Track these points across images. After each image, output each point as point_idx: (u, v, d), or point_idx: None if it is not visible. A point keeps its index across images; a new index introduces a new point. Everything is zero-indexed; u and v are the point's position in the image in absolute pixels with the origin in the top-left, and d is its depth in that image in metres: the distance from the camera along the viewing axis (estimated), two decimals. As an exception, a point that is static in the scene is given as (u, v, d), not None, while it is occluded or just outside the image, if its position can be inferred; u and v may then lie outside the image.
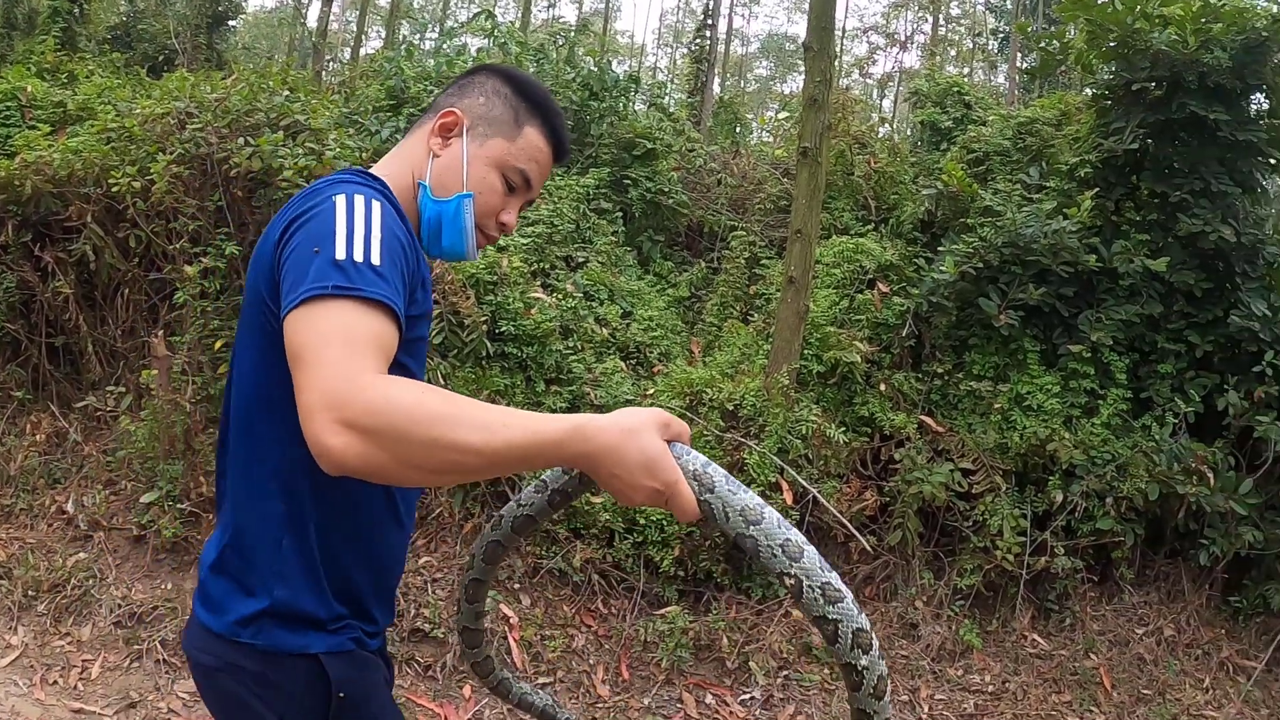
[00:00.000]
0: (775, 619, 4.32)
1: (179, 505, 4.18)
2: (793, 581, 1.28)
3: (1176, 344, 5.26)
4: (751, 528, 1.27)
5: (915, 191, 6.42)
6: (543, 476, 1.57)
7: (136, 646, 3.72)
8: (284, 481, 1.50)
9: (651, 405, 4.27)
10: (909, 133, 10.13)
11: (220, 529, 1.59)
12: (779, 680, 4.13)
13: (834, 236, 6.01)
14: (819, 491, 4.43)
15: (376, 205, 1.45)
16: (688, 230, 6.81)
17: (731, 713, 3.96)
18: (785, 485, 4.42)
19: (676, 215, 6.53)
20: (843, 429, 4.70)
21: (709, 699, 4.00)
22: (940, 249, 5.60)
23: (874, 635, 1.31)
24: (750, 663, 4.15)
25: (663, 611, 4.20)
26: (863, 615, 1.28)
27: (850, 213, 6.42)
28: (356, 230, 1.39)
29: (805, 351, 4.94)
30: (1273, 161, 5.94)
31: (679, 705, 3.92)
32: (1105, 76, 6.02)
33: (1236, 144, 5.58)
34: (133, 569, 4.11)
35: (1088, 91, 6.97)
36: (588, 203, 5.88)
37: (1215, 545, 4.91)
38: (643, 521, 4.25)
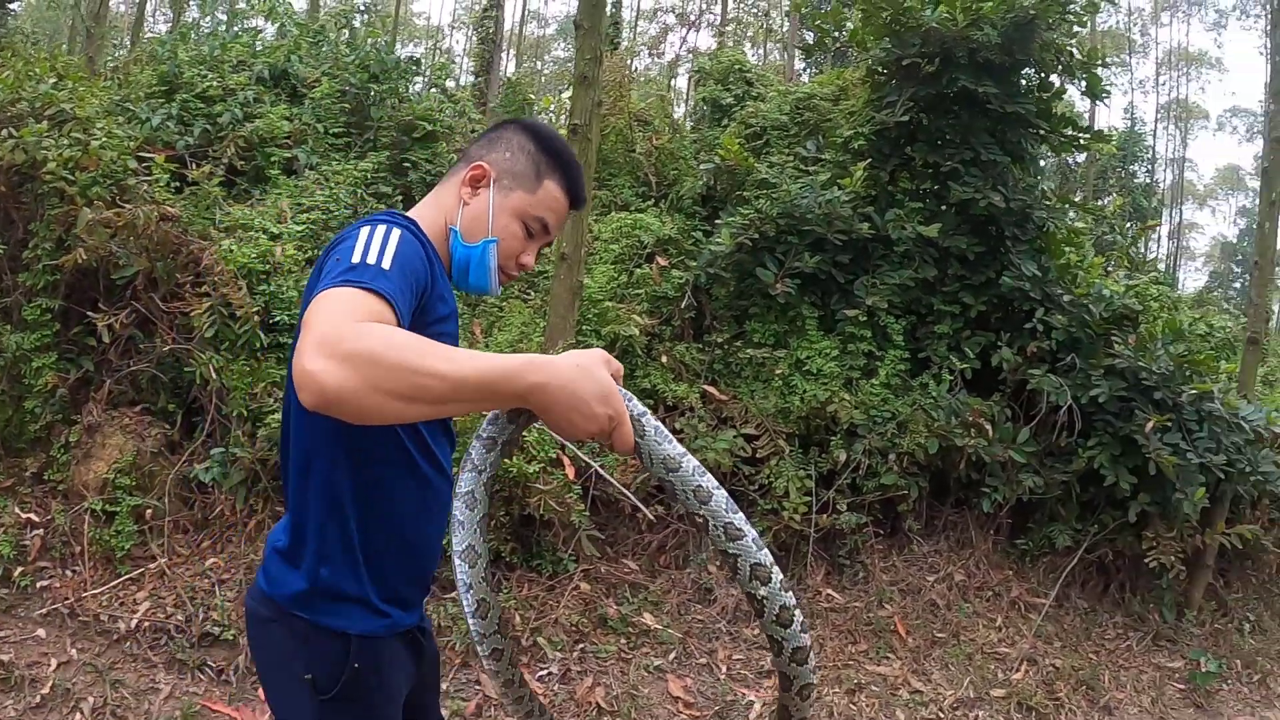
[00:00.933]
0: (567, 593, 4.36)
1: None
2: (701, 520, 1.49)
3: (952, 305, 5.52)
4: (670, 474, 1.48)
5: (695, 167, 6.57)
6: (486, 434, 1.76)
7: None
8: (327, 480, 1.75)
9: None
10: (694, 110, 10.29)
11: (284, 518, 1.87)
12: (575, 654, 4.16)
13: (614, 213, 6.10)
14: (600, 466, 4.50)
15: (396, 231, 1.67)
16: None
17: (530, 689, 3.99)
18: (567, 461, 4.47)
19: None
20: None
21: None
22: (718, 222, 5.76)
23: (775, 570, 1.49)
24: (544, 639, 4.17)
25: (451, 594, 4.15)
26: (763, 552, 1.47)
27: (631, 189, 6.53)
28: (373, 246, 1.61)
29: (584, 327, 5.02)
30: (1041, 132, 6.28)
31: (478, 687, 3.92)
32: (879, 53, 6.27)
33: (1006, 116, 5.90)
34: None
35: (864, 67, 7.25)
36: (365, 187, 5.77)
37: (997, 493, 5.18)
38: None
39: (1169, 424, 5.29)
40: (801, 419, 5.01)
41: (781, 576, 1.51)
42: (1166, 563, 5.31)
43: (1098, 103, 6.74)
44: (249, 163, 5.70)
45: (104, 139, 4.68)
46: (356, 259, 1.58)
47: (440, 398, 1.34)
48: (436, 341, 1.39)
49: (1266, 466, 5.74)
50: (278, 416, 3.82)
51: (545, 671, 4.06)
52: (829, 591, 4.88)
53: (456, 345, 1.75)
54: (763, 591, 1.48)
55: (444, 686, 3.84)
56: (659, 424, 1.50)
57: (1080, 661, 5.07)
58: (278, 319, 4.55)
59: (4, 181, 4.51)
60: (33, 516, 4.13)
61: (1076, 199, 8.70)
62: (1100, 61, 6.51)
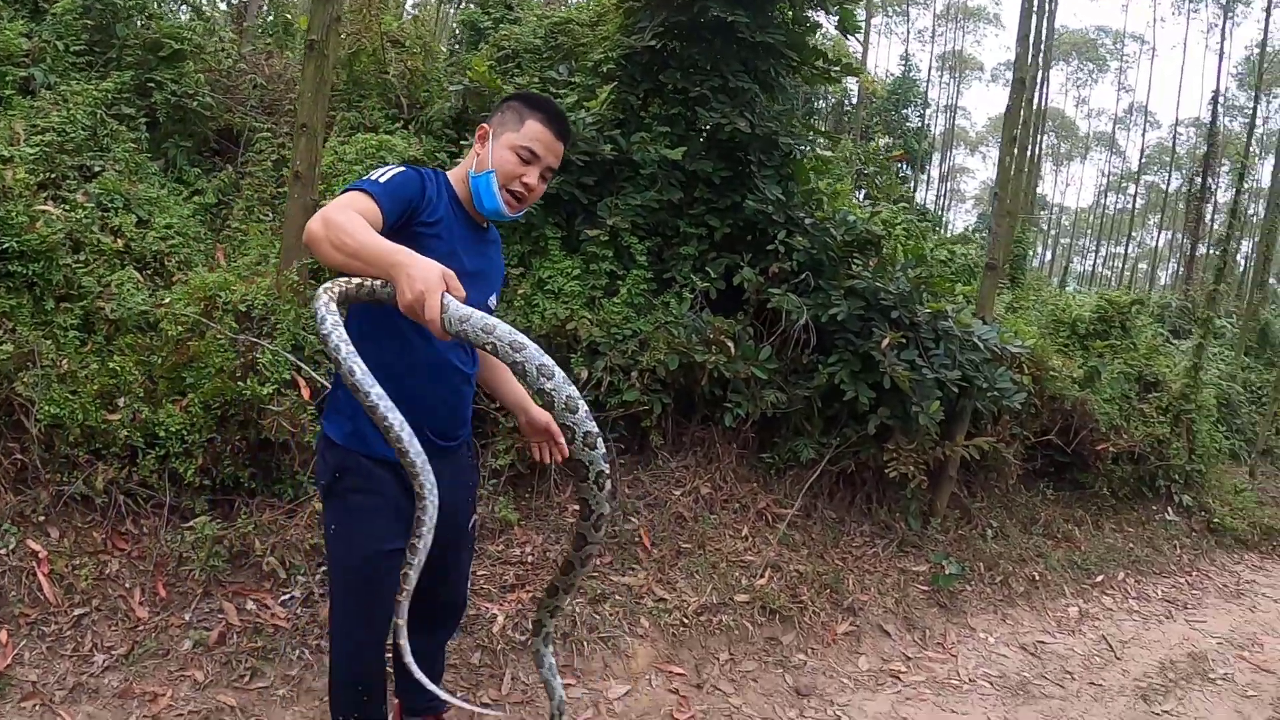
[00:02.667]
0: (306, 517, 4.31)
1: None
2: (519, 366, 2.01)
3: (698, 228, 5.70)
4: (477, 331, 2.00)
5: (443, 89, 6.57)
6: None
7: None
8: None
9: (166, 314, 4.33)
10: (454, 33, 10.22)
11: None
12: (317, 577, 4.14)
13: (358, 134, 6.03)
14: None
15: (401, 168, 2.54)
16: (218, 135, 6.56)
17: (274, 614, 3.96)
18: (302, 382, 4.42)
19: (205, 120, 6.29)
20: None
21: (250, 605, 3.97)
22: (464, 143, 5.76)
23: (582, 401, 2.03)
24: (287, 564, 4.14)
25: (192, 523, 4.11)
26: (571, 386, 2.02)
27: (381, 111, 6.49)
28: (380, 172, 2.47)
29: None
30: (793, 63, 6.50)
31: (220, 615, 3.88)
32: (633, -21, 6.35)
33: (757, 45, 6.09)
34: None
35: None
36: (107, 109, 5.54)
37: (740, 408, 5.39)
38: (163, 434, 4.10)
39: (903, 341, 5.60)
40: (543, 337, 5.07)
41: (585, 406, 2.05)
42: (908, 473, 5.63)
43: (847, 37, 6.95)
44: None
45: None
46: (366, 176, 2.47)
47: (354, 254, 2.13)
48: (368, 228, 2.19)
49: (1004, 383, 6.14)
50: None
51: (288, 596, 4.05)
52: (574, 507, 4.96)
53: (439, 251, 2.38)
54: (571, 420, 2.05)
55: (186, 617, 3.85)
56: (482, 315, 2.01)
57: (825, 567, 5.35)
58: (6, 245, 4.32)
59: None
60: None
61: (846, 138, 9.11)
62: (854, -3, 6.79)
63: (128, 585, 3.87)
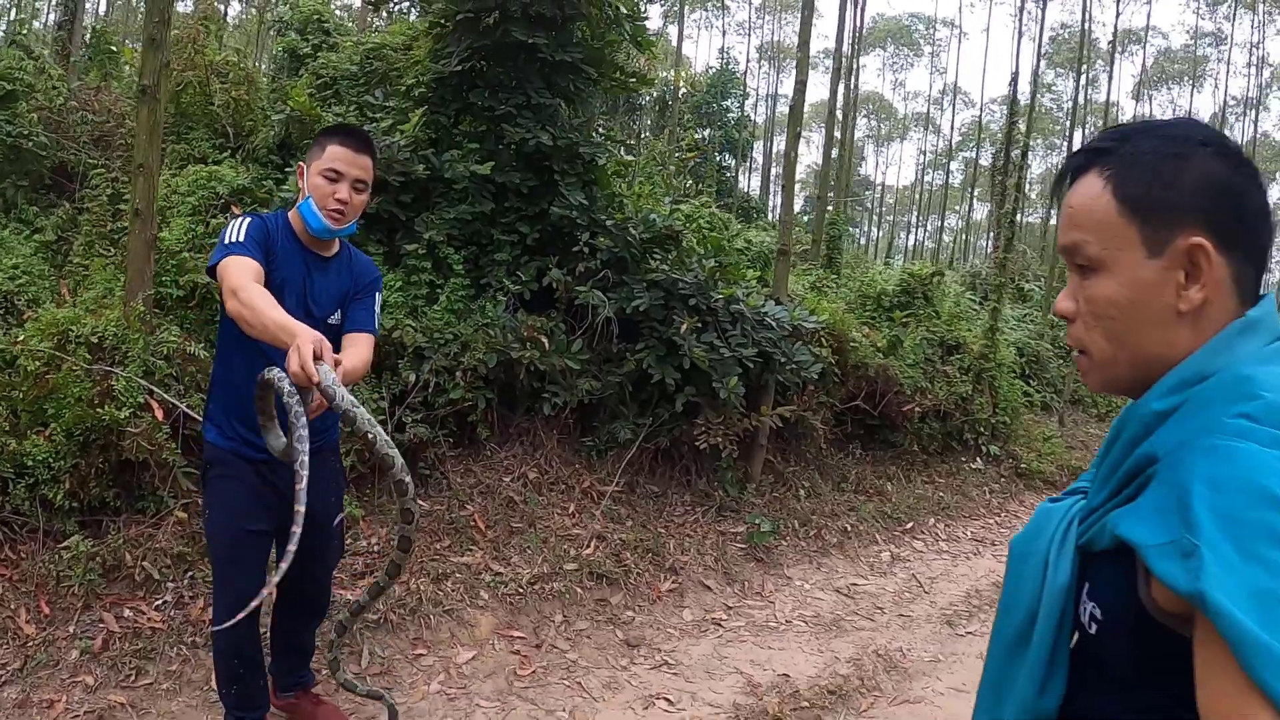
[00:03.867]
0: (169, 528, 4.64)
1: None
2: (370, 438, 2.40)
3: (509, 235, 6.21)
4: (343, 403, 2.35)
5: (269, 117, 6.93)
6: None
7: None
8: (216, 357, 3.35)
9: (22, 351, 4.62)
10: (275, 59, 10.49)
11: None
12: (185, 581, 4.48)
13: (191, 165, 6.34)
14: (186, 406, 4.83)
15: (249, 219, 3.10)
16: (53, 172, 6.79)
17: (149, 619, 4.27)
18: (155, 405, 4.76)
19: (40, 158, 6.52)
20: (203, 345, 5.09)
21: (127, 612, 4.27)
22: (288, 170, 6.17)
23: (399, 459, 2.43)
24: (158, 572, 4.46)
25: (66, 543, 4.38)
26: (376, 427, 2.41)
27: (208, 141, 6.78)
28: (231, 230, 3.04)
29: (163, 278, 5.27)
30: (591, 77, 7.08)
31: (102, 624, 4.17)
32: (440, 6, 6.81)
33: (557, 64, 6.63)
34: None
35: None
36: None
37: (558, 397, 5.94)
38: (30, 463, 4.36)
39: (701, 325, 6.23)
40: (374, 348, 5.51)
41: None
42: (718, 444, 6.27)
43: (643, 51, 7.56)
44: None
45: None
46: (227, 240, 3.00)
47: (260, 329, 2.65)
48: (267, 303, 2.70)
49: (802, 357, 6.84)
50: None
51: (161, 601, 4.38)
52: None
53: (275, 280, 3.06)
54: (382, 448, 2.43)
55: (71, 629, 4.15)
56: (346, 393, 2.38)
57: (648, 535, 5.95)
58: None
59: None
60: None
61: (666, 131, 9.70)
62: (644, 16, 7.41)
63: (13, 606, 4.12)
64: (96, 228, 6.04)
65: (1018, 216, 11.84)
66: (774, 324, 6.64)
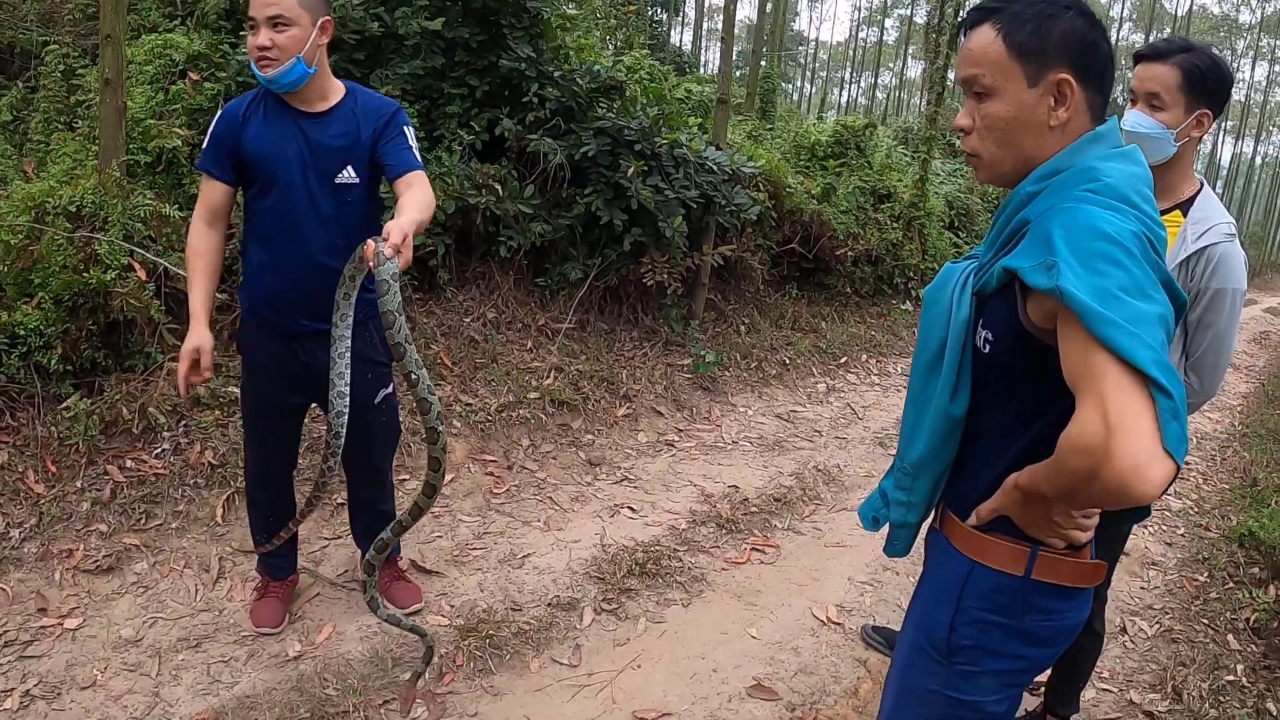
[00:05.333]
0: (159, 382, 4.89)
1: None
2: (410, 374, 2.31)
3: (460, 88, 6.43)
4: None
5: None
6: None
7: None
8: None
9: (2, 227, 4.68)
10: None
11: None
12: (180, 429, 4.74)
13: (144, 35, 6.45)
14: (168, 263, 5.11)
15: (218, 116, 3.18)
16: (1, 54, 6.85)
17: (151, 467, 4.52)
18: (137, 265, 4.99)
19: None
20: (177, 207, 5.32)
21: (129, 463, 4.51)
22: (243, 34, 6.31)
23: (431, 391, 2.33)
24: (152, 423, 4.71)
25: (64, 405, 4.58)
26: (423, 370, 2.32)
27: (157, 10, 6.79)
28: (210, 131, 3.18)
29: (131, 146, 5.41)
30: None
31: (107, 477, 4.41)
32: None
33: (500, -86, 6.78)
34: None
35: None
36: None
37: (513, 240, 6.30)
38: (22, 333, 4.52)
39: (646, 169, 6.59)
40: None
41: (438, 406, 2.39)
42: (663, 281, 6.69)
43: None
44: None
45: None
46: (204, 145, 3.20)
47: None
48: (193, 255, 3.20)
49: (740, 200, 7.23)
50: None
51: (160, 450, 4.64)
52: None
53: (258, 153, 3.12)
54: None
55: (78, 484, 4.39)
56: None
57: (601, 366, 6.41)
58: None
59: None
60: None
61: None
62: None
63: (20, 469, 4.33)
64: (53, 103, 6.10)
65: (945, 73, 12.16)
66: (714, 168, 7.02)
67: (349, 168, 3.13)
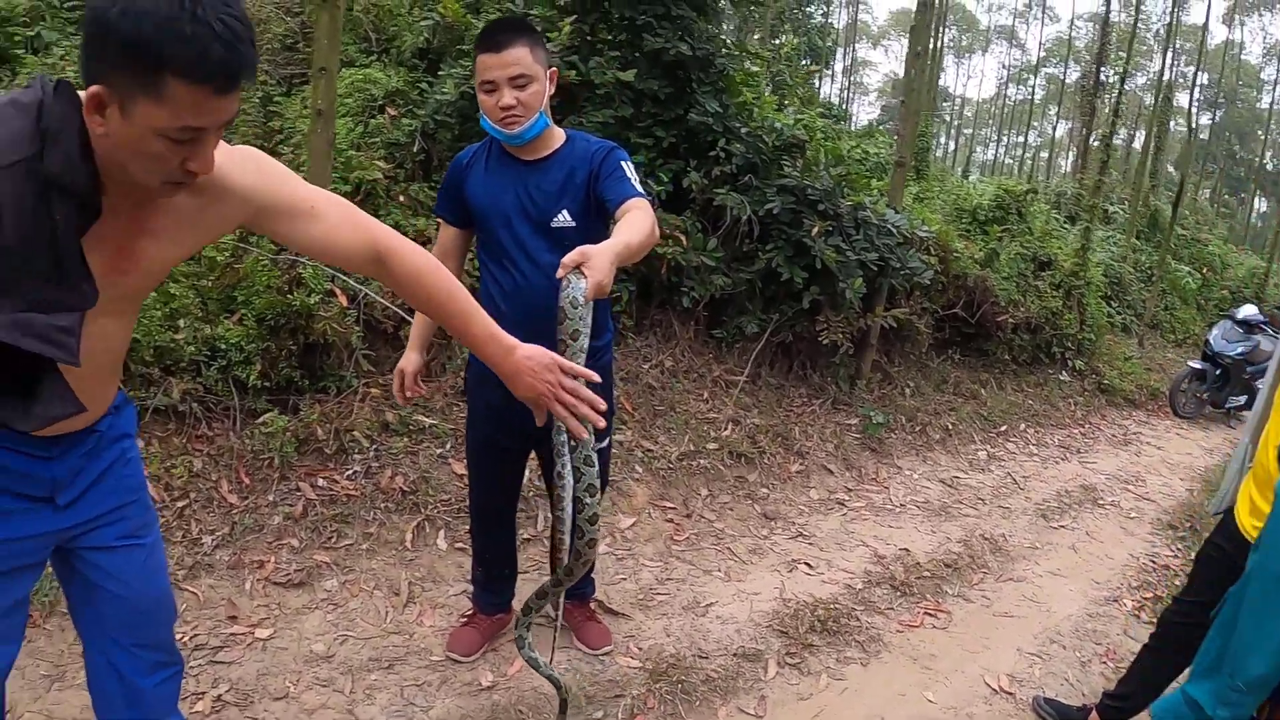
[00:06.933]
0: (354, 407, 5.13)
1: None
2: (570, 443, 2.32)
3: (647, 138, 6.66)
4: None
5: (412, 22, 7.28)
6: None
7: None
8: None
9: (210, 245, 5.03)
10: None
11: None
12: (372, 453, 4.94)
13: (343, 69, 6.79)
14: (368, 290, 5.39)
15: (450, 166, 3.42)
16: None
17: (342, 487, 4.72)
18: (339, 291, 5.29)
19: None
20: None
21: (320, 481, 4.71)
22: (440, 73, 6.62)
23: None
24: (345, 445, 4.92)
25: (262, 420, 4.78)
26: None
27: (354, 45, 7.12)
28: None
29: (333, 174, 5.69)
30: (722, -11, 7.52)
31: (299, 493, 4.61)
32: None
33: (692, -26, 7.04)
34: None
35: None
36: None
37: (694, 291, 6.48)
38: (223, 347, 4.74)
39: (831, 229, 6.73)
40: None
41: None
42: (837, 340, 6.81)
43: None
44: None
45: None
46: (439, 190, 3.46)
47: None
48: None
49: (914, 263, 7.33)
50: None
51: (352, 471, 4.84)
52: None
53: (477, 202, 3.30)
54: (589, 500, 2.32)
55: (271, 497, 4.60)
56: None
57: (775, 421, 6.54)
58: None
59: None
60: None
61: (755, 38, 10.07)
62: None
63: (214, 478, 4.53)
64: (253, 129, 6.33)
65: (1110, 140, 12.11)
66: (893, 230, 7.13)
67: (565, 212, 3.20)
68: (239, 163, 1.92)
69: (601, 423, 2.09)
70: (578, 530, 2.39)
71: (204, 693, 3.50)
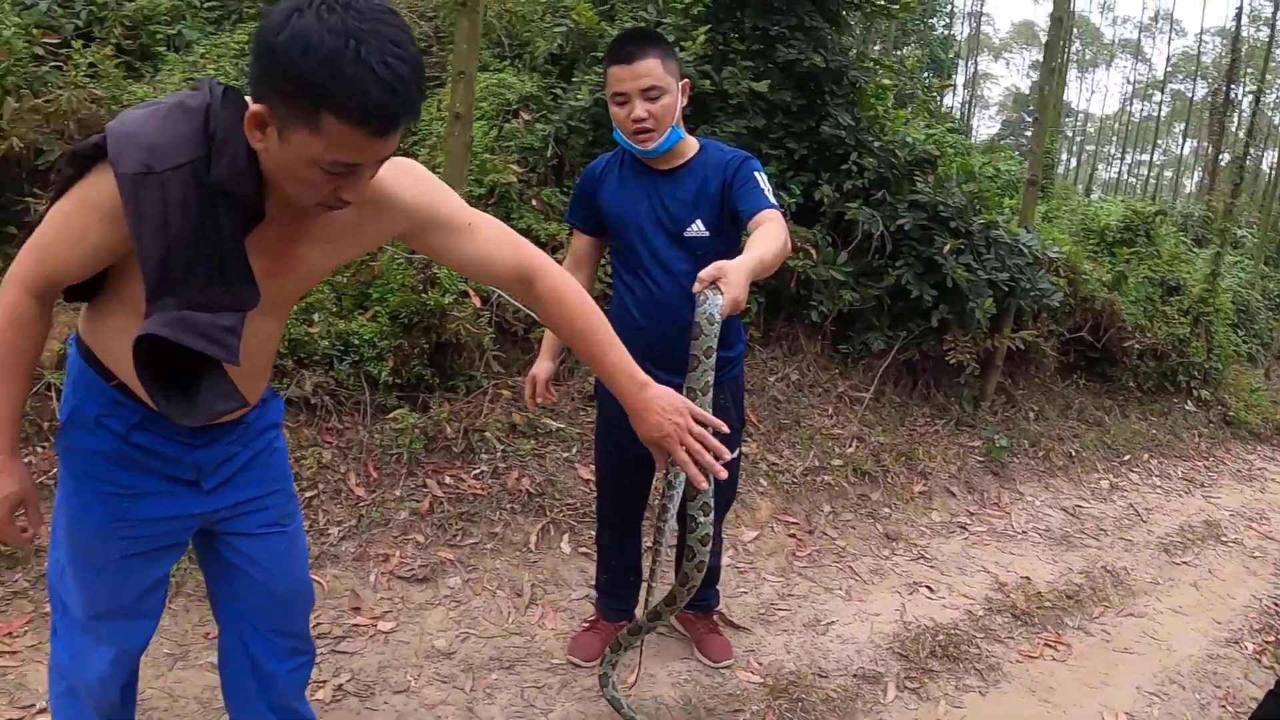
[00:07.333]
0: (483, 407, 5.21)
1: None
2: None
3: (778, 150, 6.65)
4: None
5: (545, 29, 7.41)
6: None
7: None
8: None
9: None
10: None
11: None
12: (499, 454, 5.01)
13: (478, 74, 6.89)
14: (501, 292, 5.45)
15: (580, 176, 3.48)
16: None
17: (468, 486, 4.80)
18: (472, 293, 5.36)
19: None
20: None
21: (447, 479, 4.78)
22: (574, 80, 6.70)
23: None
24: (472, 444, 5.00)
25: (392, 415, 4.87)
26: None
27: (488, 51, 7.23)
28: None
29: (469, 178, 5.71)
30: (855, 1, 7.48)
31: (425, 489, 4.70)
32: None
33: (826, -13, 7.03)
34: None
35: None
36: (244, 58, 6.21)
37: (823, 306, 6.46)
38: (356, 342, 4.86)
39: (962, 247, 6.66)
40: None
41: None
42: (964, 361, 6.73)
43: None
44: (134, 41, 6.22)
45: (13, 28, 4.91)
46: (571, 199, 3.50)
47: None
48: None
49: (1043, 284, 7.21)
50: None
51: (479, 470, 4.92)
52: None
53: (610, 212, 3.34)
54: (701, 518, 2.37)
55: (397, 492, 4.69)
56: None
57: (899, 439, 6.49)
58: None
59: None
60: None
61: (876, 49, 9.99)
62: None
63: (343, 470, 4.62)
64: None
65: (1244, 162, 11.76)
66: (1024, 250, 7.03)
67: (699, 222, 3.19)
68: (399, 176, 1.95)
69: (723, 474, 2.06)
70: (688, 551, 2.38)
71: (325, 681, 3.58)
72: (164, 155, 1.67)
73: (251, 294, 1.81)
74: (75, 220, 1.78)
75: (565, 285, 2.11)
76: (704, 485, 2.07)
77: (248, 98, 1.70)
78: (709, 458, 2.03)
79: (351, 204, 1.76)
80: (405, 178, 1.98)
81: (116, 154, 1.67)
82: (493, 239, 2.08)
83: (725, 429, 2.10)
